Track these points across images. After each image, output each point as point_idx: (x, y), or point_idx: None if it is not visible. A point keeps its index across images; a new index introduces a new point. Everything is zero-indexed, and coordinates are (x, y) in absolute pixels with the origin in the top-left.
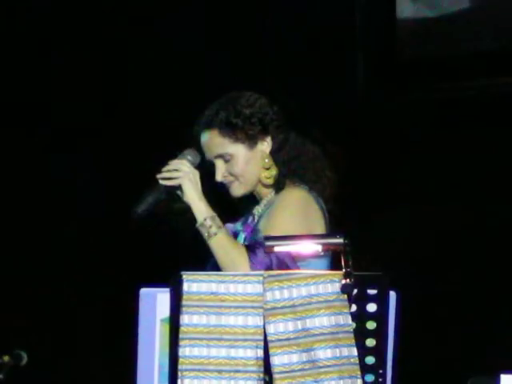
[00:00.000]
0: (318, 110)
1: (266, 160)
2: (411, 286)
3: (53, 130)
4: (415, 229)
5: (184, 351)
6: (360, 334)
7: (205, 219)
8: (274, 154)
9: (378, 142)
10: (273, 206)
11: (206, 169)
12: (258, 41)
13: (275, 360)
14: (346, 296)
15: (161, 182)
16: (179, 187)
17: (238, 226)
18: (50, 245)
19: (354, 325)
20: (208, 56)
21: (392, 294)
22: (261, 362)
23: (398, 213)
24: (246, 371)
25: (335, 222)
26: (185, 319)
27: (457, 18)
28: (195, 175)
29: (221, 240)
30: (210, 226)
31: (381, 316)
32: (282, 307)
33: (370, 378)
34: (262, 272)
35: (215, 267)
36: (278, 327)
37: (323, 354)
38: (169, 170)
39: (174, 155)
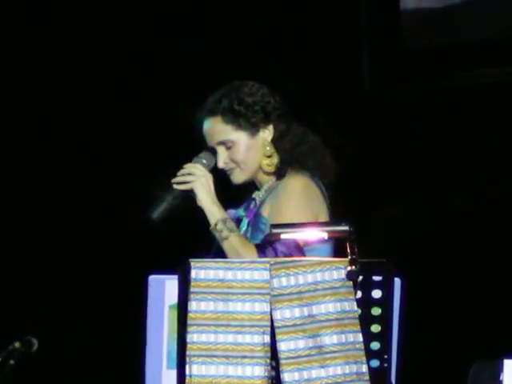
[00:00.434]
0: (321, 101)
1: (268, 148)
2: (416, 273)
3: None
4: (419, 217)
5: (192, 337)
6: (365, 320)
7: (216, 223)
8: (275, 142)
9: (381, 132)
10: (276, 193)
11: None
12: (263, 30)
13: (282, 346)
14: (351, 282)
15: (175, 186)
16: (193, 191)
17: (241, 211)
18: (62, 233)
19: (360, 311)
20: (212, 53)
21: (397, 281)
22: (267, 348)
23: (402, 202)
24: (253, 357)
25: (340, 210)
26: (193, 306)
27: (460, 8)
28: (208, 178)
29: (232, 243)
30: (222, 230)
31: (386, 302)
32: (289, 294)
33: (375, 363)
34: (268, 259)
35: (219, 254)
36: (285, 313)
37: (329, 339)
38: (183, 174)
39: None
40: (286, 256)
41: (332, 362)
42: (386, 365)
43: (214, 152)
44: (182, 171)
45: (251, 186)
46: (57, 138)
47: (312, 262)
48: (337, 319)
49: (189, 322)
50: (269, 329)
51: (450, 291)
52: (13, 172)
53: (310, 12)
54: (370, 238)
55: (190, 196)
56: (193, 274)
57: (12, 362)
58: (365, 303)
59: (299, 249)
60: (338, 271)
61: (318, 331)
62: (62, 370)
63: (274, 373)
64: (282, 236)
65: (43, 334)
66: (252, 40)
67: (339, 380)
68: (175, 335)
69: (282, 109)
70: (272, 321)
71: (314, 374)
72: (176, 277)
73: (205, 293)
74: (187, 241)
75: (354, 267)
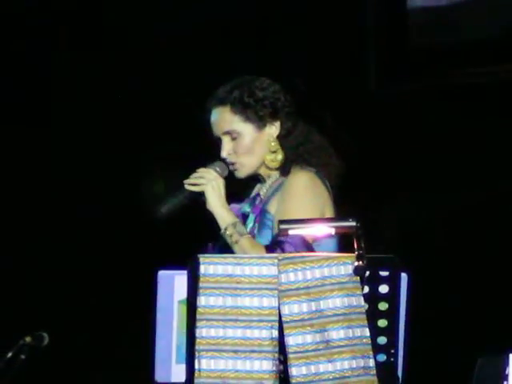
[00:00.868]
0: (330, 98)
1: (273, 143)
2: (422, 268)
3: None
4: (427, 213)
5: (201, 332)
6: (372, 315)
7: (226, 227)
8: (281, 138)
9: (387, 130)
10: (282, 190)
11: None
12: (269, 30)
13: (290, 340)
14: (358, 278)
15: (186, 186)
16: (203, 194)
17: (246, 207)
18: (73, 229)
19: (367, 306)
20: (219, 52)
21: (403, 276)
22: (276, 343)
23: (410, 198)
24: (262, 351)
25: (347, 207)
26: (202, 301)
27: (466, 6)
28: (219, 183)
29: (243, 245)
30: (231, 235)
31: (392, 297)
32: (297, 289)
33: (381, 357)
34: (276, 254)
35: (224, 249)
36: (293, 308)
37: (336, 334)
38: (195, 177)
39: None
40: None
41: (339, 356)
42: (392, 359)
43: (226, 162)
44: (195, 174)
45: (254, 180)
46: (66, 134)
47: (319, 258)
48: (344, 314)
49: (198, 316)
50: (277, 323)
51: (457, 286)
52: (24, 167)
53: (316, 11)
54: (376, 233)
55: (199, 198)
56: (202, 269)
57: (23, 356)
58: (372, 298)
59: (308, 247)
60: (345, 266)
61: (326, 326)
62: (72, 364)
63: (281, 367)
64: (290, 232)
65: (54, 329)
66: (258, 41)
67: (346, 374)
68: (184, 330)
69: (291, 107)
70: (280, 315)
71: (322, 368)
72: (185, 272)
73: (214, 288)
74: (196, 236)
75: (361, 262)
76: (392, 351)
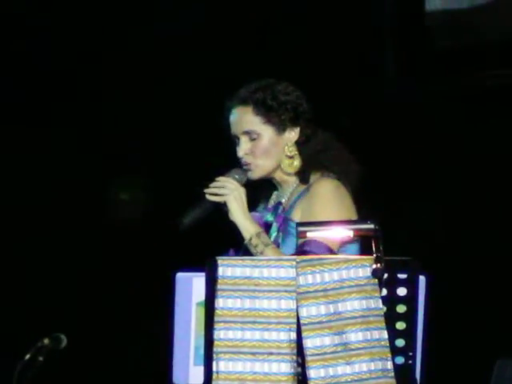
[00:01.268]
0: (347, 101)
1: (291, 148)
2: (441, 271)
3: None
4: (444, 215)
5: (219, 334)
6: (390, 318)
7: (251, 238)
8: (300, 145)
9: (406, 132)
10: (307, 198)
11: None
12: (287, 31)
13: (308, 343)
14: (376, 280)
15: (207, 197)
16: (224, 204)
17: (269, 216)
18: (92, 230)
19: (385, 308)
20: (232, 52)
21: (421, 278)
22: (294, 345)
23: (428, 200)
24: (280, 353)
25: (365, 209)
26: (220, 303)
27: (485, 8)
28: (241, 193)
29: (267, 256)
30: (256, 245)
31: (411, 300)
32: (315, 291)
33: (400, 360)
34: (294, 257)
35: (247, 253)
36: (311, 311)
37: (355, 336)
38: (216, 187)
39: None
40: None
41: (357, 358)
42: (410, 362)
43: (244, 169)
44: (215, 183)
45: (268, 184)
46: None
47: (337, 260)
48: (362, 316)
49: (216, 318)
50: (295, 326)
51: (475, 289)
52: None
53: (336, 12)
54: (395, 236)
55: (221, 207)
56: (220, 271)
57: (41, 358)
58: (390, 301)
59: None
60: (363, 269)
61: (344, 328)
62: (90, 366)
63: (299, 369)
64: (308, 234)
65: (72, 331)
66: (274, 41)
67: (364, 377)
68: (202, 332)
69: (311, 115)
70: (298, 318)
71: (340, 370)
72: (203, 274)
73: (232, 290)
74: (215, 239)
75: (379, 265)
76: (410, 353)
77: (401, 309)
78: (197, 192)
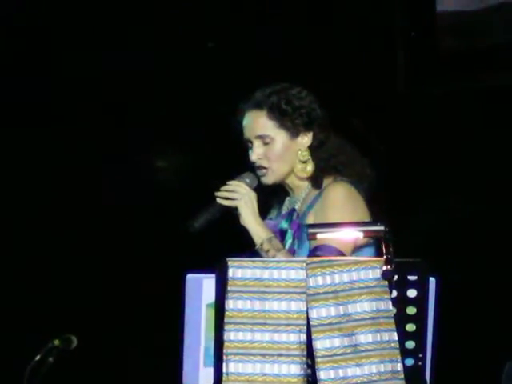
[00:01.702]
0: (358, 102)
1: (304, 153)
2: (451, 272)
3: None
4: (454, 217)
5: (229, 335)
6: (400, 319)
7: (262, 243)
8: (313, 149)
9: (416, 133)
10: (321, 203)
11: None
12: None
13: (318, 344)
14: (386, 282)
15: (218, 200)
16: (235, 208)
17: (284, 223)
18: (102, 231)
19: (395, 310)
20: (243, 52)
21: (432, 280)
22: (304, 346)
23: (438, 201)
24: (289, 355)
25: (375, 210)
26: (230, 304)
27: (496, 9)
28: (251, 197)
29: None
30: (269, 250)
31: (421, 301)
32: (325, 293)
33: (410, 361)
34: (304, 258)
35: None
36: (321, 312)
37: (364, 338)
38: (227, 191)
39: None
40: None
41: (367, 360)
42: (420, 363)
43: (255, 173)
44: (226, 187)
45: (280, 190)
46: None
47: (348, 262)
48: (372, 318)
49: (226, 320)
50: (305, 327)
51: (485, 290)
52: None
53: (345, 12)
54: (405, 237)
55: (232, 211)
56: (230, 272)
57: (51, 359)
58: (400, 302)
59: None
60: (373, 270)
61: (354, 330)
62: (100, 367)
63: (309, 371)
64: (318, 236)
65: (82, 332)
66: (286, 40)
67: (374, 378)
68: (212, 333)
69: (324, 120)
70: (308, 319)
71: (350, 372)
72: (213, 275)
73: (242, 291)
74: (225, 240)
75: (389, 267)
76: (420, 355)
77: (411, 310)
78: (206, 194)
